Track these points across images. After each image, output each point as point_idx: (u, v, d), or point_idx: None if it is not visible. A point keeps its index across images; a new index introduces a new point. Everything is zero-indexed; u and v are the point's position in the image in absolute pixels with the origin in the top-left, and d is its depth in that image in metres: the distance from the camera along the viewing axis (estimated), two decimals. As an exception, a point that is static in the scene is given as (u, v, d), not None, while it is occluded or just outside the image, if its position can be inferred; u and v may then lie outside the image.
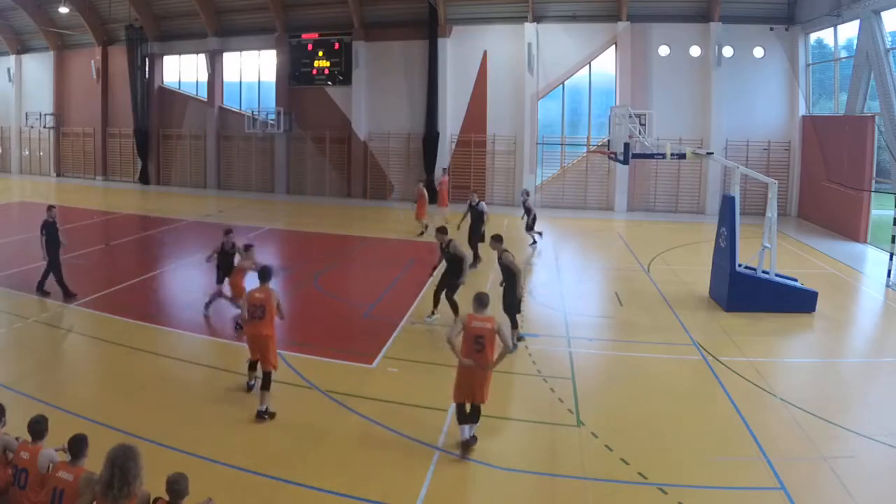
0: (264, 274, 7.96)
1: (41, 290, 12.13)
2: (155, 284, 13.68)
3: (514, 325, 9.86)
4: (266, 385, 7.54)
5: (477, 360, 6.48)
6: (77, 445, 4.61)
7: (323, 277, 14.24)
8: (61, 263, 12.18)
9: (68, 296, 11.94)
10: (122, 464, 4.11)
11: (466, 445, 6.63)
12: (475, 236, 14.77)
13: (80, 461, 4.58)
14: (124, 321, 10.72)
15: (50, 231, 12.01)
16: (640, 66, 23.65)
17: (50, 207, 12.33)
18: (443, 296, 10.85)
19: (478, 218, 14.79)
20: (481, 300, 6.73)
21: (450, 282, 10.75)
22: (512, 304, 9.83)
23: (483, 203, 15.09)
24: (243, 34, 28.86)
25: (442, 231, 11.00)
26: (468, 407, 6.68)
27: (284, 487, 6.03)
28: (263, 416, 7.42)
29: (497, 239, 10.10)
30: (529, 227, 17.18)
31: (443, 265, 11.24)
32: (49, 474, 4.60)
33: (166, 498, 4.26)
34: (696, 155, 13.34)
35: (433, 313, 11.02)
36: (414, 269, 15.10)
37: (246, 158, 29.52)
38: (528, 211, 17.05)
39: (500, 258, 9.92)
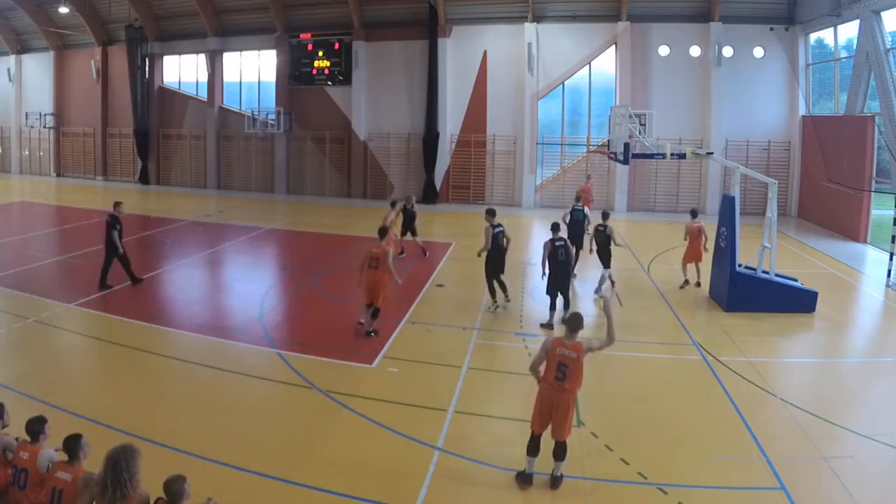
0: (381, 233, 10.31)
1: (135, 279, 13.05)
2: (155, 284, 13.67)
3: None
4: (375, 315, 10.06)
5: (557, 389, 6.03)
6: (72, 445, 4.59)
7: (323, 277, 14.24)
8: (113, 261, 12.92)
9: (103, 286, 12.60)
10: (115, 465, 4.10)
11: (554, 483, 6.13)
12: (408, 232, 16.15)
13: (77, 461, 4.57)
14: (124, 321, 10.72)
15: (117, 226, 12.81)
16: (640, 66, 23.65)
17: (117, 204, 13.19)
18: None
19: (410, 218, 16.08)
20: (573, 325, 6.21)
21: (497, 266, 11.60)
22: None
23: (415, 205, 16.41)
24: (243, 34, 28.87)
25: (491, 213, 11.75)
26: (548, 442, 6.15)
27: (284, 487, 6.03)
28: (370, 333, 9.99)
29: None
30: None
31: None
32: (48, 474, 4.59)
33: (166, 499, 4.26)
34: (696, 155, 13.34)
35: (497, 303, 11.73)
36: (414, 268, 15.10)
37: (246, 158, 29.53)
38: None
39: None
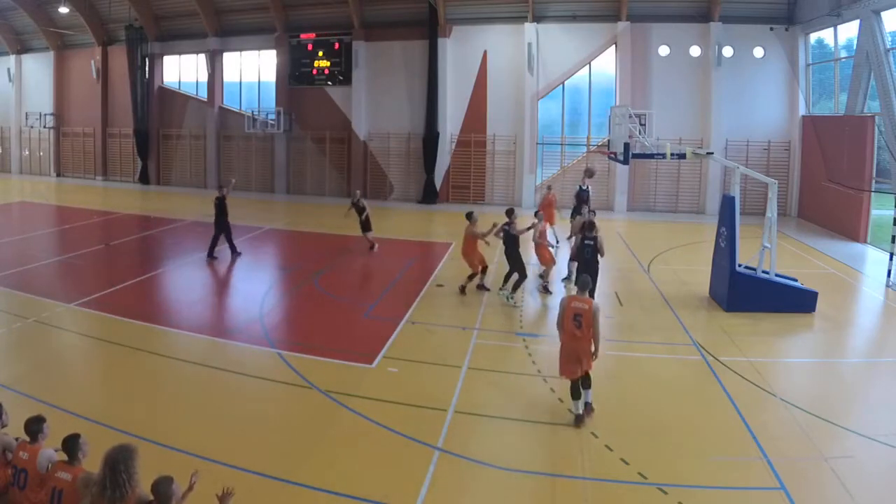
0: (508, 213, 12.75)
1: (236, 252, 15.75)
2: (155, 284, 13.67)
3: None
4: (470, 277, 12.83)
5: (578, 337, 7.36)
6: (71, 445, 4.57)
7: (323, 277, 14.24)
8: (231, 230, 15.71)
9: (235, 253, 15.75)
10: (114, 465, 4.09)
11: (585, 414, 7.42)
12: (365, 229, 16.62)
13: (77, 460, 4.57)
14: (124, 321, 10.72)
15: (223, 205, 15.39)
16: (640, 66, 23.64)
17: (220, 187, 16.04)
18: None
19: (361, 212, 16.43)
20: (582, 284, 7.72)
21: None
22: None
23: (363, 199, 16.79)
24: (243, 34, 28.86)
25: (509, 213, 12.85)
26: (579, 381, 7.44)
27: (284, 487, 6.03)
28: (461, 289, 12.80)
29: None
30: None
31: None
32: (48, 474, 4.59)
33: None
34: (696, 155, 13.33)
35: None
36: (414, 268, 15.11)
37: (246, 158, 29.51)
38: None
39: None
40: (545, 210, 16.97)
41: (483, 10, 25.14)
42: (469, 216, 13.07)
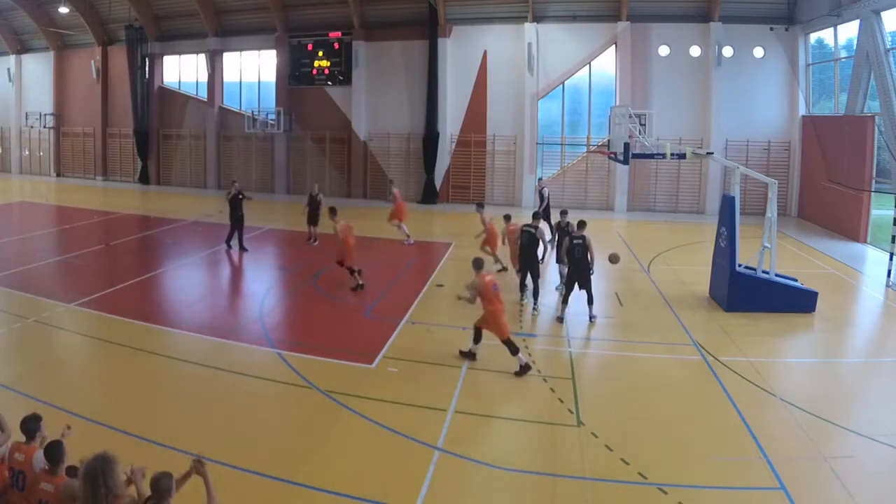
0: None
1: (242, 248, 16.56)
2: (155, 284, 13.67)
3: None
4: (350, 272, 13.07)
5: (497, 305, 8.80)
6: (53, 452, 4.45)
7: (323, 277, 14.24)
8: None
9: (242, 250, 16.51)
10: (94, 480, 3.96)
11: (522, 370, 8.71)
12: (312, 221, 17.87)
13: (58, 467, 4.45)
14: (124, 321, 10.72)
15: (238, 201, 16.45)
16: (640, 66, 23.65)
17: (234, 182, 17.52)
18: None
19: (315, 206, 17.71)
20: (477, 265, 9.24)
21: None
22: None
23: (321, 194, 18.07)
24: (243, 34, 28.87)
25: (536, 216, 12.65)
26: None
27: (284, 487, 6.03)
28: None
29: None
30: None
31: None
32: (37, 478, 4.51)
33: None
34: (696, 155, 13.33)
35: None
36: (414, 268, 15.10)
37: (246, 158, 29.51)
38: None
39: None
40: (396, 211, 17.80)
41: (483, 10, 25.14)
42: (332, 211, 13.90)
